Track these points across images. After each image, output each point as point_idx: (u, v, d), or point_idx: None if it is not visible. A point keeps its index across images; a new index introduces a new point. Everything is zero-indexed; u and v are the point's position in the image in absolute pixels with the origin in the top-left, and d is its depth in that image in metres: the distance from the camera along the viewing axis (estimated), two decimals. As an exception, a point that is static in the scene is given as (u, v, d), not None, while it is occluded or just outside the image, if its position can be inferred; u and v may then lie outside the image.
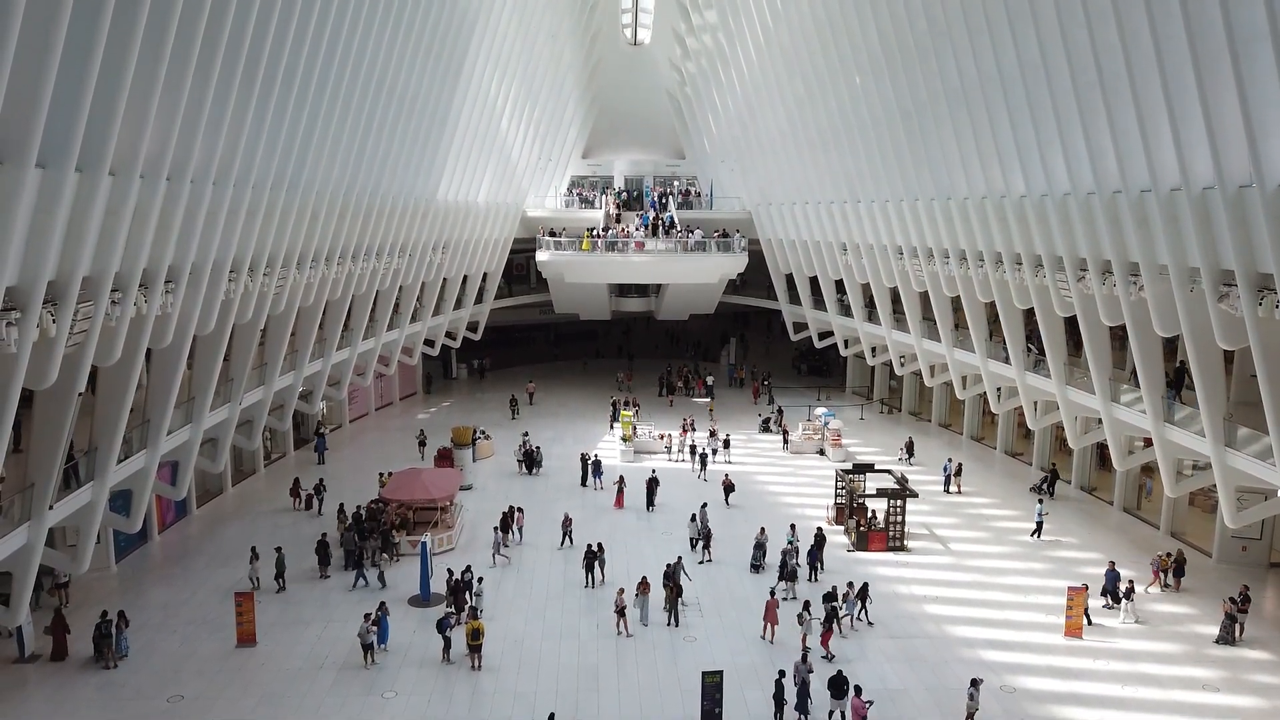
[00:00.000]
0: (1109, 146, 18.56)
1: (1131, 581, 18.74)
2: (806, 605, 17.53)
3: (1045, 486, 26.73)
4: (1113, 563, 19.56)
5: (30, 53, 11.11)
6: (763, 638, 17.63)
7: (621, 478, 26.57)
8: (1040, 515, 23.33)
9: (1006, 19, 20.18)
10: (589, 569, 20.16)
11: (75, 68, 12.11)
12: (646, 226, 38.88)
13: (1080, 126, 19.11)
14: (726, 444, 30.70)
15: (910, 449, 30.34)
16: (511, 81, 33.84)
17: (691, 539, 22.56)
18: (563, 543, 22.48)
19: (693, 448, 29.77)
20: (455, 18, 26.91)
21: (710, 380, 41.80)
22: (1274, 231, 14.93)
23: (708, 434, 31.32)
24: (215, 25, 15.27)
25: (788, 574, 19.73)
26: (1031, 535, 23.16)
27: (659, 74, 43.12)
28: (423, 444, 30.73)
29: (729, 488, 25.87)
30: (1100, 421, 23.18)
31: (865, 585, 18.63)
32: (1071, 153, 19.95)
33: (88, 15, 11.86)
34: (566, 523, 22.72)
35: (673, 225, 39.07)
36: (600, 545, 20.65)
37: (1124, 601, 18.50)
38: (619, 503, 25.84)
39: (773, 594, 18.41)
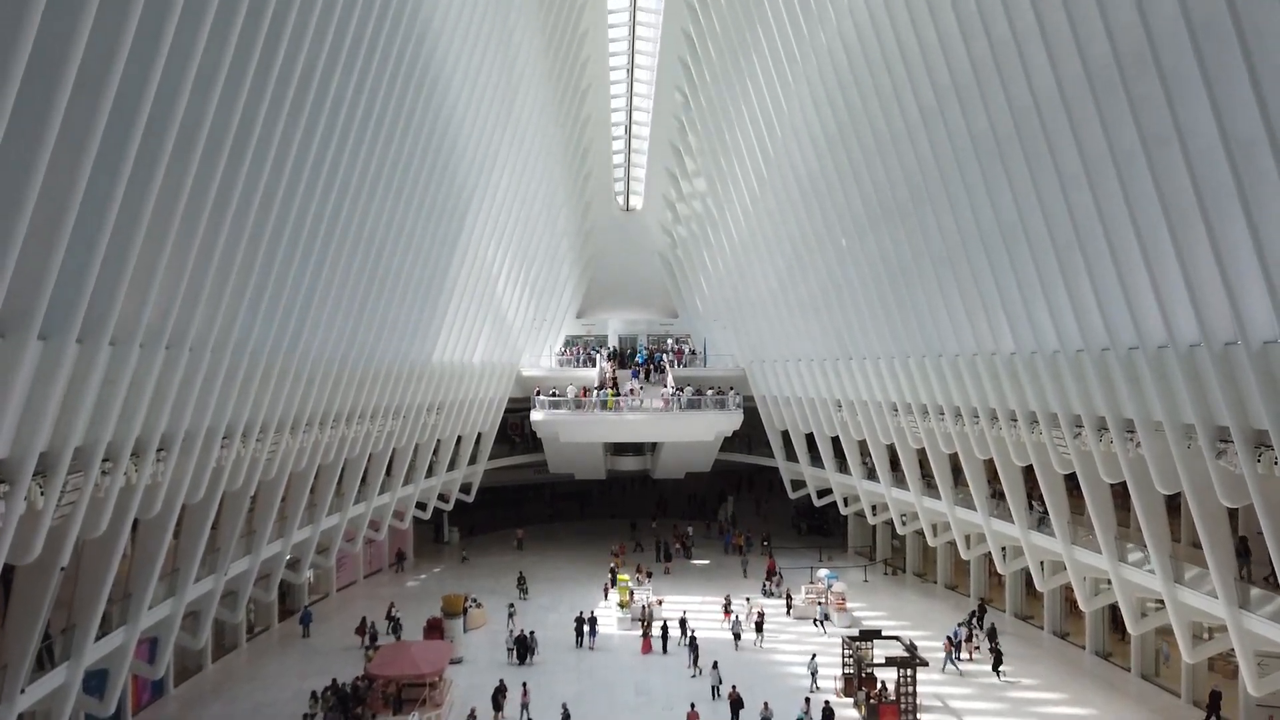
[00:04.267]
0: (1093, 304, 18.94)
1: None
2: None
3: (974, 620, 27.66)
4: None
5: (42, 227, 11.39)
6: None
7: (649, 616, 27.58)
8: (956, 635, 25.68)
9: (983, 183, 20.98)
10: None
11: (84, 241, 12.41)
12: (638, 378, 39.56)
13: (1063, 285, 19.55)
14: (760, 626, 27.31)
15: (980, 615, 27.55)
16: (508, 247, 34.87)
17: (713, 687, 22.77)
18: None
19: (682, 622, 27.02)
20: (455, 188, 27.98)
21: (690, 530, 40.95)
22: (1264, 388, 15.03)
23: (745, 604, 28.69)
24: (223, 197, 15.77)
25: None
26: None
27: (651, 237, 44.60)
28: (372, 638, 27.07)
29: (737, 702, 20.95)
30: (1110, 582, 22.62)
31: None
32: (1056, 310, 20.33)
33: (100, 192, 12.25)
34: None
35: (661, 369, 40.58)
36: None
37: None
38: (645, 647, 26.45)
39: (693, 706, 20.65)
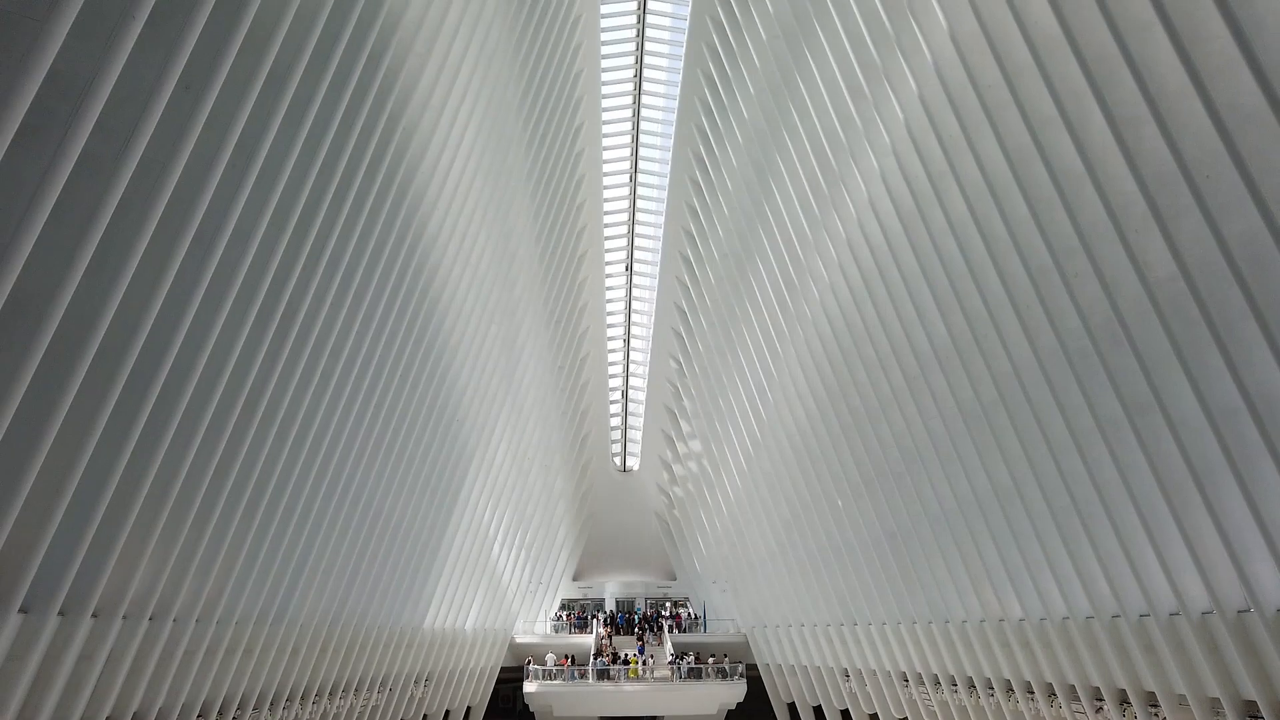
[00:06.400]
0: (1097, 570, 18.64)
1: None
2: None
3: None
4: None
5: (38, 503, 11.44)
6: None
7: None
8: None
9: (974, 449, 21.29)
10: None
11: (78, 515, 12.42)
12: (642, 654, 37.95)
13: (1065, 550, 19.32)
14: None
15: None
16: (505, 510, 34.79)
17: None
18: None
19: None
20: (454, 454, 28.35)
21: None
22: (1287, 659, 14.51)
23: None
24: (224, 468, 15.92)
25: None
26: None
27: (648, 497, 44.67)
28: None
29: None
30: None
31: None
32: (1061, 575, 19.96)
33: (100, 466, 12.41)
34: None
35: (659, 629, 39.45)
36: None
37: None
38: None
39: None
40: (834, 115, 21.83)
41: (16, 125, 8.71)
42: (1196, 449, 14.73)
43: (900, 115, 19.01)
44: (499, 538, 35.13)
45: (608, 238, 37.72)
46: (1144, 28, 12.45)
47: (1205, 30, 11.65)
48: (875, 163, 20.73)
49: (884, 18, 18.31)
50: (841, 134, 21.81)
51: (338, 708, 26.64)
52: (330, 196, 15.77)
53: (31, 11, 8.46)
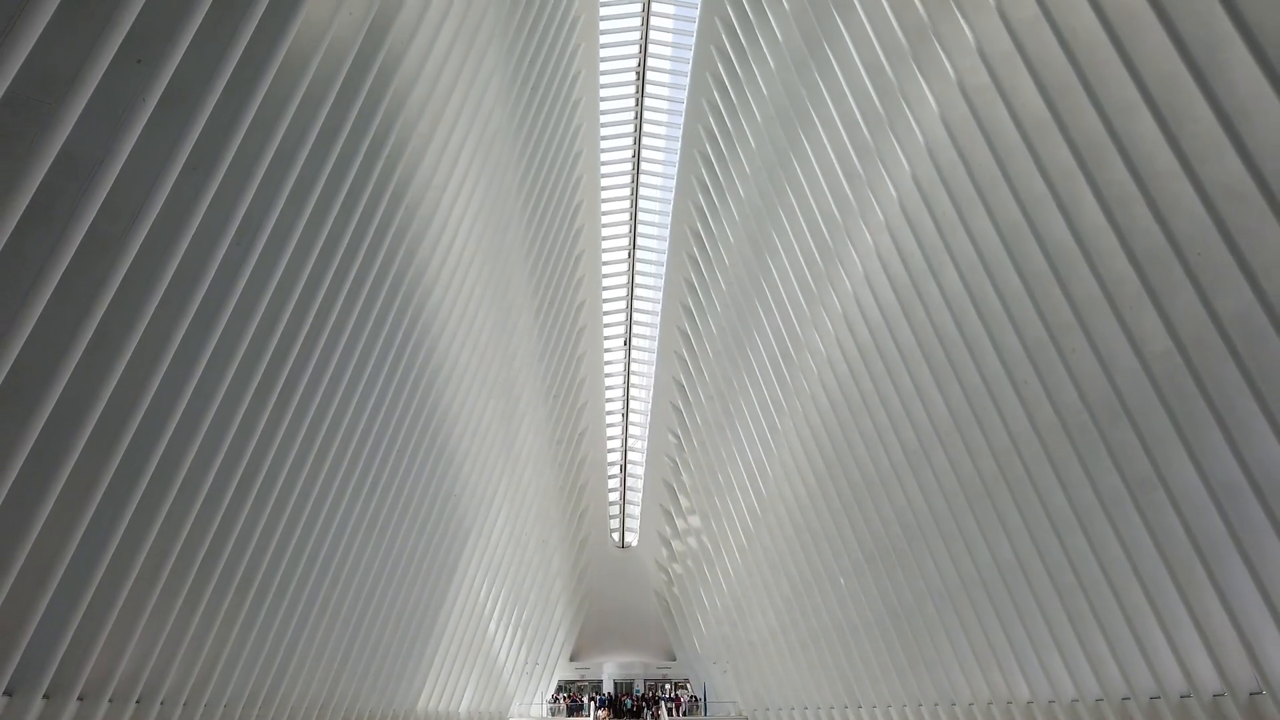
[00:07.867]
0: (1105, 650, 18.29)
1: None
2: None
3: None
4: None
5: (26, 585, 11.25)
6: None
7: None
8: None
9: (975, 525, 21.07)
10: None
11: (67, 597, 12.20)
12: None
13: (1071, 629, 18.99)
14: None
15: None
16: (501, 587, 34.25)
17: None
18: None
19: None
20: (450, 531, 28.03)
21: None
22: (1304, 744, 14.15)
23: None
24: (216, 547, 15.69)
25: None
26: None
27: (647, 574, 44.03)
28: None
29: None
30: None
31: None
32: (1069, 656, 19.57)
33: (91, 546, 12.23)
34: None
35: (656, 703, 38.89)
36: None
37: None
38: None
39: None
40: (829, 194, 22.20)
41: (25, 205, 8.81)
42: (1200, 526, 14.60)
43: (894, 194, 19.33)
44: (495, 616, 34.52)
45: (606, 313, 38.01)
46: (1131, 109, 12.76)
47: (1190, 112, 11.94)
48: (870, 240, 21.00)
49: (876, 101, 18.76)
50: (836, 212, 22.14)
51: (326, 796, 25.78)
52: (331, 274, 15.90)
53: (47, 96, 8.62)
